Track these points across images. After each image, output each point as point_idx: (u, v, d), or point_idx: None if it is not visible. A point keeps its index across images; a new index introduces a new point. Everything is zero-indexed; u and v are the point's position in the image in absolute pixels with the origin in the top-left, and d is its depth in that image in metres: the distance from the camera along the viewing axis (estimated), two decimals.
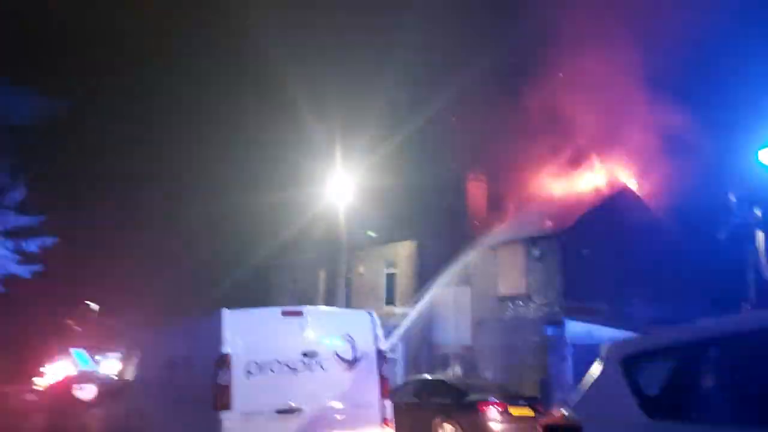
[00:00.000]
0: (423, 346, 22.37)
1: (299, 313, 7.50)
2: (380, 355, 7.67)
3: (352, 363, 7.49)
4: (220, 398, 6.68)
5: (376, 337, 7.71)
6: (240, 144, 29.35)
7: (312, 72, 26.90)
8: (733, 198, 5.80)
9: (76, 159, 28.87)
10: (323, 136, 21.75)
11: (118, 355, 19.93)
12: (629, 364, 3.45)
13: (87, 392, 11.74)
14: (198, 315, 8.82)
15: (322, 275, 28.49)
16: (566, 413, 3.68)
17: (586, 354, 16.29)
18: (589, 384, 3.64)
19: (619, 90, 21.16)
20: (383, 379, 7.60)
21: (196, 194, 30.14)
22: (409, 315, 22.09)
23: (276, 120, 26.57)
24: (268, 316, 7.51)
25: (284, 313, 7.45)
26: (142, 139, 29.92)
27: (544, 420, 3.80)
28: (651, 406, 3.22)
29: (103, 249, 28.59)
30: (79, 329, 27.56)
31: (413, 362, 21.96)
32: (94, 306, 29.31)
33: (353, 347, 7.54)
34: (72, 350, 22.18)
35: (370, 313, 7.95)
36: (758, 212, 5.47)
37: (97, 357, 22.24)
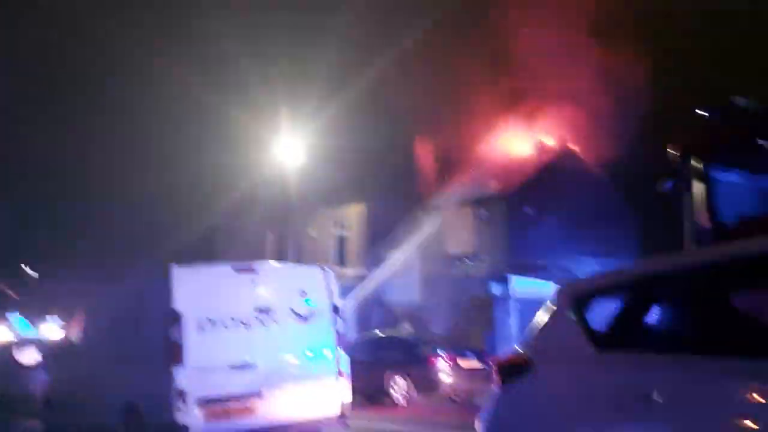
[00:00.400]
0: (374, 305, 22.66)
1: (252, 269, 7.46)
2: (335, 309, 7.74)
3: (306, 318, 7.53)
4: (172, 355, 6.63)
5: (330, 292, 7.76)
6: (183, 107, 28.55)
7: (255, 33, 26.27)
8: (672, 150, 6.00)
9: (18, 127, 27.54)
10: (269, 98, 21.38)
11: (57, 319, 19.44)
12: (579, 303, 3.59)
13: (28, 356, 11.45)
14: (147, 273, 8.64)
15: (270, 238, 28.30)
16: (519, 351, 3.82)
17: (530, 308, 16.85)
18: (540, 324, 3.79)
19: (563, 52, 21.45)
20: (338, 333, 7.68)
21: (140, 159, 29.25)
22: (361, 276, 22.30)
23: (220, 82, 25.90)
24: (220, 272, 7.44)
25: (237, 270, 7.39)
26: (85, 104, 28.72)
27: (498, 359, 3.94)
28: (599, 340, 3.37)
29: (45, 215, 27.57)
30: (15, 296, 26.67)
31: (364, 321, 22.25)
32: (32, 272, 28.35)
33: (308, 302, 7.57)
34: (10, 316, 21.48)
35: (324, 269, 7.98)
36: (697, 163, 5.69)
37: (37, 322, 21.64)
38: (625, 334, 3.34)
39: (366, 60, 23.93)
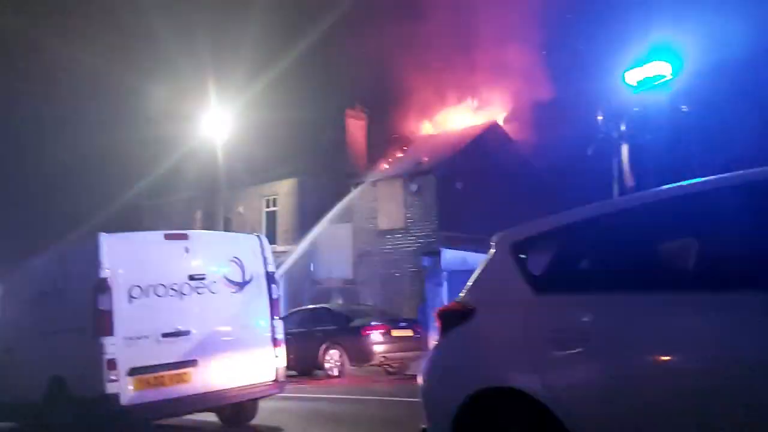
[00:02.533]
0: (305, 281, 22.56)
1: (184, 236, 7.25)
2: (270, 277, 7.65)
3: (241, 285, 7.42)
4: (101, 324, 6.39)
5: (265, 260, 7.66)
6: (104, 82, 27.13)
7: (178, 4, 25.23)
8: (600, 116, 6.27)
9: None
10: (195, 72, 20.66)
11: None
12: (517, 249, 3.71)
13: None
14: (72, 243, 8.24)
15: (198, 216, 27.58)
16: (458, 300, 3.91)
17: (460, 279, 17.26)
18: (480, 270, 3.88)
19: (494, 25, 21.80)
20: (273, 301, 7.61)
21: (59, 132, 27.66)
22: (292, 252, 22.11)
23: (144, 56, 24.79)
24: (151, 239, 7.19)
25: (167, 237, 7.17)
26: (4, 83, 26.74)
27: (439, 308, 4.02)
28: (537, 284, 3.50)
29: None
30: None
31: (295, 297, 22.14)
32: None
33: (242, 270, 7.45)
34: None
35: (258, 236, 7.86)
36: (623, 127, 5.97)
37: None
38: (562, 277, 3.48)
39: (295, 32, 23.54)
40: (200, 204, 27.32)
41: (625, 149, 5.99)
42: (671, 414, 2.81)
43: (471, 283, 3.91)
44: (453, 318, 3.83)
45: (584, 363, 3.11)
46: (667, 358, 2.90)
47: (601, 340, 3.08)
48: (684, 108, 5.84)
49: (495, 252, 3.85)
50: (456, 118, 23.82)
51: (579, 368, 3.13)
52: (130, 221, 28.25)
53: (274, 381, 7.43)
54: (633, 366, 2.96)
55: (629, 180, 5.89)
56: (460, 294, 3.93)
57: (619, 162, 6.10)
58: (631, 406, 2.92)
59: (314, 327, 14.15)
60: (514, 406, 3.31)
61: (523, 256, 3.67)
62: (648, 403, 2.86)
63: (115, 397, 6.26)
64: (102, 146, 25.69)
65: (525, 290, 3.52)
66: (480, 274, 3.88)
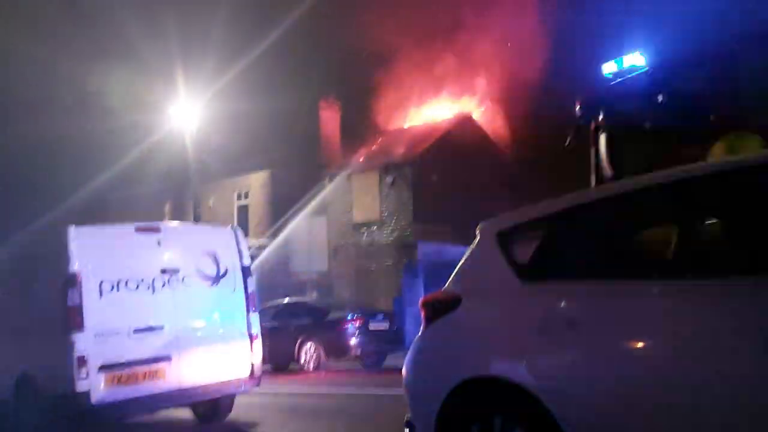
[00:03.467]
0: (279, 274, 22.33)
1: (156, 229, 7.05)
2: (245, 270, 7.50)
3: (216, 279, 7.25)
4: (71, 319, 6.17)
5: (240, 253, 7.50)
6: (68, 66, 26.36)
7: None
8: (578, 106, 6.23)
9: None
10: (163, 59, 20.22)
11: None
12: (502, 237, 3.66)
13: None
14: (39, 236, 7.95)
15: (167, 208, 27.14)
16: (444, 289, 3.84)
17: (436, 271, 17.27)
18: (466, 259, 3.82)
19: (469, 17, 21.79)
20: (249, 295, 7.46)
21: (22, 122, 26.82)
22: (265, 246, 21.86)
23: (109, 42, 24.19)
24: (122, 232, 6.96)
25: (139, 229, 6.95)
26: None
27: (424, 298, 3.94)
28: (524, 272, 3.45)
29: None
30: None
31: (269, 291, 21.90)
32: None
33: (217, 263, 7.28)
34: None
35: (233, 228, 7.69)
36: (601, 117, 5.94)
37: None
38: (548, 265, 3.44)
39: (267, 20, 23.17)
40: (169, 196, 26.87)
41: (603, 139, 5.96)
42: (659, 401, 2.79)
43: (456, 273, 3.85)
44: (438, 308, 3.77)
45: (572, 351, 3.07)
46: (656, 345, 2.88)
47: (590, 328, 3.04)
48: (660, 98, 5.83)
49: (479, 241, 3.80)
50: (430, 110, 23.79)
51: (567, 356, 3.09)
52: (96, 213, 27.64)
53: (250, 376, 7.30)
54: (621, 353, 2.94)
55: (608, 170, 5.87)
56: (447, 284, 3.87)
57: (597, 152, 6.06)
58: (619, 393, 2.90)
59: (289, 321, 14.01)
60: (501, 395, 3.26)
61: (508, 244, 3.62)
62: (636, 391, 2.84)
63: (86, 394, 6.07)
64: (67, 136, 25.03)
65: (511, 279, 3.47)
66: (465, 263, 3.82)
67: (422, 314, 3.90)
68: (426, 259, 17.54)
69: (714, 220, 3.12)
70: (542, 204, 3.70)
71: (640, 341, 2.90)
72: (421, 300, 3.93)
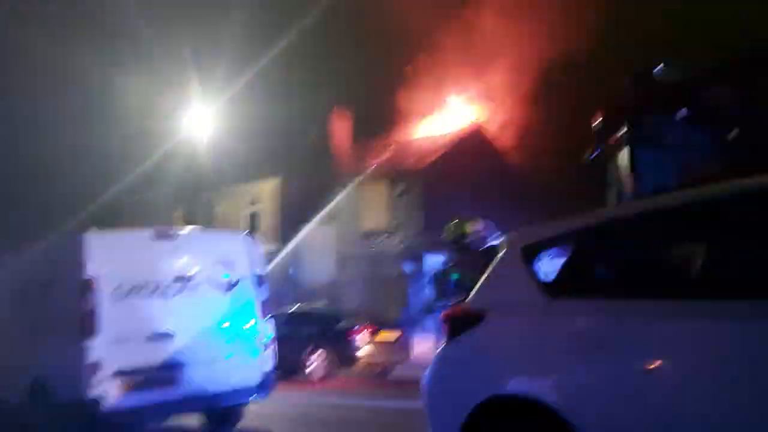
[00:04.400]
0: (287, 282, 22.31)
1: (172, 236, 7.05)
2: (259, 278, 7.48)
3: (230, 287, 7.23)
4: (85, 325, 6.17)
5: (254, 261, 7.49)
6: (87, 78, 26.54)
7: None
8: (600, 118, 6.17)
9: None
10: (179, 69, 20.32)
11: None
12: (528, 252, 3.60)
13: None
14: (57, 241, 7.95)
15: (179, 214, 27.18)
16: (467, 303, 3.79)
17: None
18: (489, 274, 3.77)
19: (481, 29, 21.80)
20: (261, 303, 7.44)
21: (39, 129, 27.01)
22: (274, 253, 21.84)
23: (126, 53, 24.37)
24: (138, 238, 6.96)
25: (155, 236, 6.96)
26: None
27: (446, 312, 3.89)
28: (551, 288, 3.40)
29: None
30: None
31: (277, 298, 21.86)
32: None
33: (231, 271, 7.27)
34: None
35: (249, 236, 7.68)
36: (624, 130, 5.88)
37: None
38: (576, 282, 3.38)
39: (281, 29, 23.28)
40: (181, 202, 26.93)
41: (624, 153, 5.89)
42: (692, 422, 2.73)
43: (480, 287, 3.79)
44: (461, 322, 3.71)
45: (601, 370, 3.01)
46: (689, 365, 2.82)
47: (620, 348, 2.98)
48: (684, 112, 5.76)
49: (505, 255, 3.74)
50: (442, 121, 23.77)
51: (595, 376, 3.03)
52: (109, 219, 27.72)
53: (261, 385, 7.27)
54: (652, 374, 2.88)
55: (628, 187, 5.80)
56: (468, 298, 3.82)
57: (616, 167, 5.99)
58: (651, 414, 2.84)
59: (299, 329, 13.93)
60: (527, 415, 3.20)
61: (534, 259, 3.57)
62: (669, 412, 2.78)
63: (98, 401, 6.05)
64: (83, 143, 25.19)
65: (538, 294, 3.42)
66: (489, 277, 3.77)
67: (444, 328, 3.85)
68: (434, 269, 17.46)
69: (746, 240, 3.05)
70: (571, 219, 3.65)
71: (677, 363, 2.84)
72: (443, 313, 3.88)
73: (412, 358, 13.68)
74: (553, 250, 3.61)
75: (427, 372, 3.88)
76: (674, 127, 6.13)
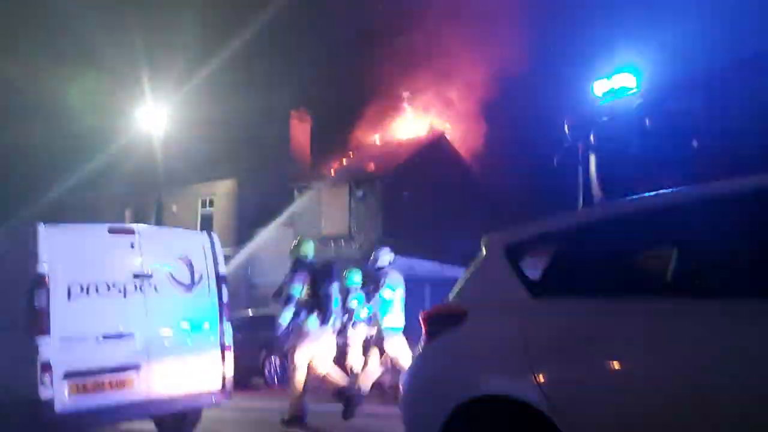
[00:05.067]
0: (242, 286, 21.88)
1: (130, 231, 6.75)
2: (220, 278, 7.25)
3: (189, 286, 6.98)
4: (36, 323, 5.82)
5: (215, 260, 7.25)
6: (38, 74, 25.53)
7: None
8: (567, 125, 6.28)
9: None
10: (130, 62, 19.77)
11: None
12: (512, 251, 3.57)
13: None
14: (5, 233, 7.53)
15: (128, 214, 26.38)
16: (447, 302, 3.72)
17: (408, 285, 17.13)
18: (471, 273, 3.72)
19: (447, 35, 21.97)
20: (223, 304, 7.21)
21: None
22: (229, 256, 21.38)
23: (73, 46, 23.56)
24: (94, 233, 6.64)
25: (112, 231, 6.65)
26: None
27: (425, 311, 3.82)
28: (535, 287, 3.36)
29: None
30: None
31: (233, 302, 21.39)
32: None
33: (191, 269, 7.02)
34: None
35: (209, 234, 7.44)
36: (592, 137, 5.99)
37: None
38: (562, 281, 3.36)
39: (239, 27, 22.89)
40: (131, 201, 26.16)
41: (593, 159, 5.99)
42: (676, 422, 2.73)
43: (460, 286, 3.74)
44: (441, 322, 3.64)
45: (588, 369, 2.99)
46: (674, 364, 2.82)
47: (608, 346, 2.97)
48: (647, 121, 5.91)
49: (487, 254, 3.70)
50: (403, 127, 23.82)
51: (582, 375, 3.01)
52: (56, 216, 26.59)
53: (221, 389, 7.03)
54: (638, 372, 2.87)
55: (597, 191, 5.89)
56: (449, 297, 3.76)
57: (586, 172, 6.09)
58: (635, 414, 2.83)
59: (254, 333, 13.63)
60: (510, 415, 3.15)
61: (518, 258, 3.54)
62: (653, 411, 2.78)
63: (49, 402, 5.72)
64: (31, 140, 24.19)
65: (521, 293, 3.38)
66: (471, 276, 3.72)
67: (423, 328, 3.77)
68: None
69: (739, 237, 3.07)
70: (555, 218, 3.64)
71: (661, 362, 2.83)
72: (422, 313, 3.80)
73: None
74: (537, 249, 3.58)
75: (405, 373, 3.79)
76: (639, 136, 6.28)
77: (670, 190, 3.26)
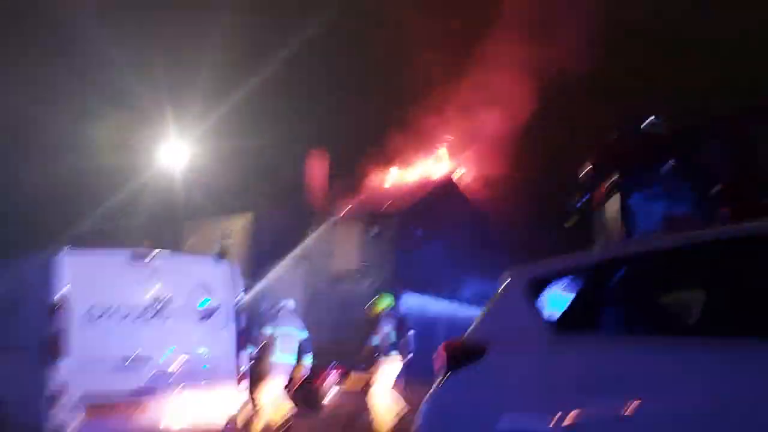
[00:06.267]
0: (252, 322, 21.78)
1: (150, 258, 6.83)
2: (237, 306, 7.27)
3: (207, 313, 7.01)
4: (54, 345, 5.87)
5: (233, 288, 7.29)
6: (62, 109, 26.20)
7: (134, 32, 24.91)
8: (591, 166, 6.31)
9: None
10: (153, 102, 20.23)
11: None
12: (534, 286, 3.56)
13: None
14: (29, 257, 7.64)
15: (147, 246, 26.53)
16: (467, 337, 3.70)
17: (417, 325, 17.01)
18: (491, 308, 3.70)
19: (460, 73, 22.23)
20: (240, 332, 7.21)
21: (11, 159, 26.41)
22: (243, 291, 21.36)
23: (100, 83, 24.24)
24: (114, 258, 6.73)
25: (133, 257, 6.73)
26: None
27: (444, 345, 3.79)
28: (556, 323, 3.35)
29: None
30: None
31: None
32: None
33: (210, 296, 7.06)
34: None
35: (229, 263, 7.50)
36: (615, 178, 6.00)
37: None
38: (586, 317, 3.34)
39: (257, 65, 23.38)
40: (151, 235, 26.38)
41: (615, 199, 6.01)
42: None
43: (479, 321, 3.72)
44: (460, 357, 3.61)
45: (615, 409, 2.94)
46: (700, 405, 2.77)
47: (630, 384, 2.93)
48: (672, 163, 5.94)
49: (507, 289, 3.69)
50: (419, 166, 24.01)
51: (604, 414, 2.96)
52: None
53: (236, 417, 6.98)
54: (663, 412, 2.82)
55: (619, 236, 5.88)
56: (468, 332, 3.74)
57: (604, 212, 6.10)
58: None
59: None
60: None
61: (539, 293, 3.53)
62: None
63: (62, 426, 5.71)
64: (55, 174, 24.68)
65: (542, 329, 3.36)
66: (490, 311, 3.70)
67: (442, 362, 3.74)
68: (408, 312, 17.28)
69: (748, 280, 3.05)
70: (578, 254, 3.64)
71: (682, 402, 2.79)
72: (440, 347, 3.78)
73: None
74: (560, 285, 3.58)
75: (422, 408, 3.75)
76: (661, 178, 6.29)
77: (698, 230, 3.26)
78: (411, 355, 10.26)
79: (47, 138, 26.29)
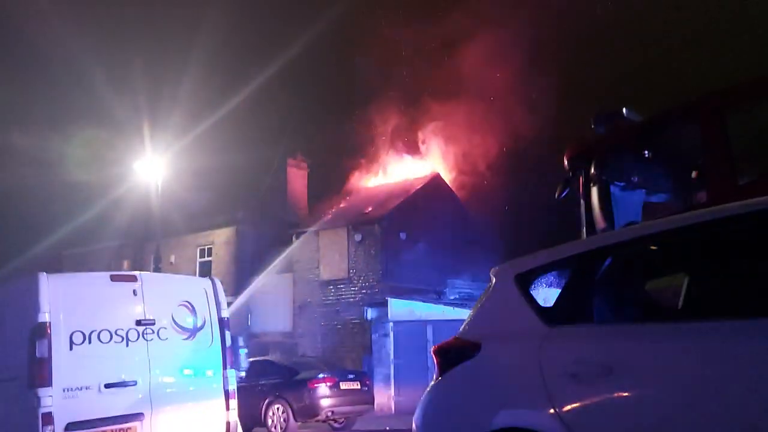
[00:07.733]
0: (242, 334, 21.58)
1: (132, 278, 6.70)
2: (223, 323, 7.17)
3: (192, 332, 6.90)
4: (37, 373, 5.73)
5: (218, 305, 7.19)
6: (33, 118, 25.82)
7: (111, 43, 24.66)
8: (568, 159, 6.31)
9: None
10: (129, 113, 20.01)
11: None
12: (522, 280, 3.54)
13: None
14: (7, 282, 7.46)
15: (125, 265, 26.22)
16: (460, 335, 3.68)
17: (406, 329, 17.03)
18: (482, 304, 3.69)
19: (442, 75, 22.35)
20: (226, 349, 7.11)
21: None
22: (229, 304, 21.16)
23: (72, 95, 23.91)
24: (96, 281, 6.60)
25: (114, 278, 6.61)
26: None
27: (437, 345, 3.76)
28: (548, 315, 3.33)
29: None
30: None
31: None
32: None
33: (194, 315, 6.95)
34: None
35: (212, 280, 7.39)
36: (593, 170, 6.01)
37: None
38: (575, 308, 3.32)
39: (236, 78, 23.30)
40: (128, 253, 26.05)
41: (594, 191, 6.01)
42: None
43: (472, 318, 3.70)
44: (454, 355, 3.59)
45: (609, 398, 2.93)
46: (694, 392, 2.76)
47: (628, 374, 2.91)
48: (647, 153, 5.95)
49: (496, 284, 3.67)
50: (399, 169, 24.00)
51: (603, 404, 2.95)
52: (51, 267, 26.34)
53: None
54: (659, 397, 2.82)
55: (600, 222, 5.89)
56: (460, 330, 3.72)
57: (588, 204, 6.10)
58: None
59: (257, 379, 13.39)
60: None
61: (529, 287, 3.51)
62: None
63: None
64: (25, 189, 24.25)
65: (535, 322, 3.34)
66: (481, 307, 3.68)
67: (435, 363, 3.72)
68: (395, 317, 17.26)
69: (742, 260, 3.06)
70: (566, 245, 3.63)
71: (676, 389, 2.78)
72: (434, 347, 3.75)
73: (375, 409, 13.31)
74: (549, 277, 3.57)
75: (418, 409, 3.71)
76: (639, 168, 6.31)
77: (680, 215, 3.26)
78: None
79: (17, 153, 25.86)
